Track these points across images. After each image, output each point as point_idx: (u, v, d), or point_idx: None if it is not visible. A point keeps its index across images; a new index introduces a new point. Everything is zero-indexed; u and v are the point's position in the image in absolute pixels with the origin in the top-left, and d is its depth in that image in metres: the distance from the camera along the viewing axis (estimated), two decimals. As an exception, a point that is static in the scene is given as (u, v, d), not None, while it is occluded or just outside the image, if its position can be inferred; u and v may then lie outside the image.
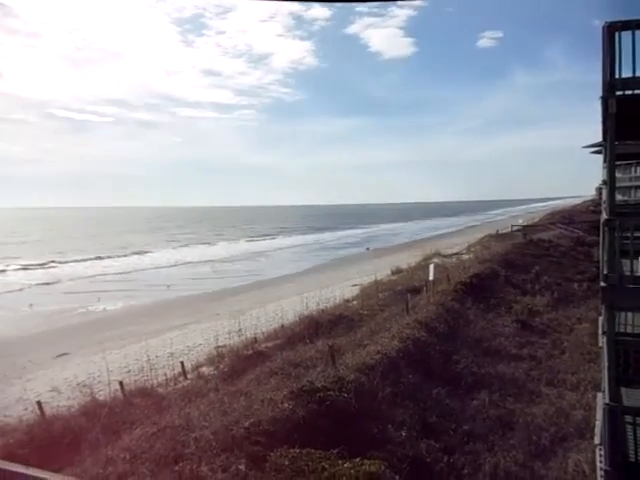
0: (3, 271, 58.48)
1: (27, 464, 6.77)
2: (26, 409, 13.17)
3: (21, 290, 44.97)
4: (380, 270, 32.07)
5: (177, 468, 7.80)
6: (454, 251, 41.98)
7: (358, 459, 8.53)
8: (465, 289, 22.19)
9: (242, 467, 8.06)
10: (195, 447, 8.40)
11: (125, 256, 72.65)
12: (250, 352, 15.69)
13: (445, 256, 38.45)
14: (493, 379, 14.26)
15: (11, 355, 22.96)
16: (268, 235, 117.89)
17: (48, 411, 11.77)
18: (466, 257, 35.67)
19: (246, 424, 9.08)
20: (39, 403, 11.81)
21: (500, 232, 49.45)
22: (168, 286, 44.31)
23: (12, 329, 29.80)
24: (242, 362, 14.80)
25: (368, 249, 73.15)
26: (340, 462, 8.40)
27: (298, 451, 8.58)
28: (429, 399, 12.28)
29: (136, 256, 73.33)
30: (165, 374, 15.03)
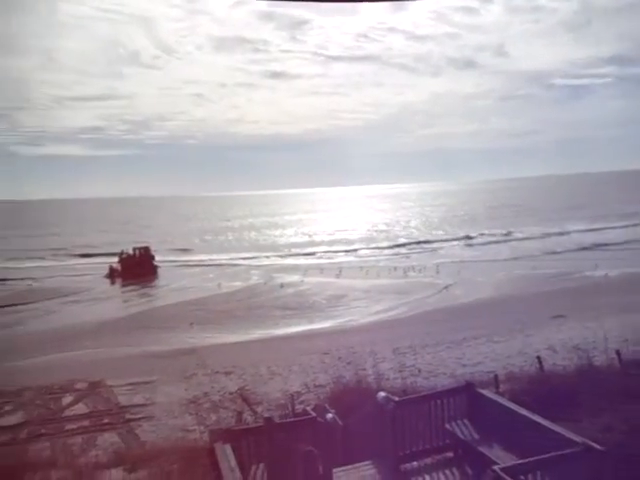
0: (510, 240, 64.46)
1: (533, 410, 7.64)
2: (525, 362, 14.51)
3: (531, 256, 48.75)
4: None
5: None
6: None
7: None
8: None
9: None
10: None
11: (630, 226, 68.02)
12: None
13: None
14: None
15: (514, 312, 25.41)
16: None
17: (545, 367, 12.66)
18: None
19: None
20: (539, 358, 12.81)
21: None
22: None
23: (514, 289, 32.85)
24: None
25: None
26: None
27: None
28: None
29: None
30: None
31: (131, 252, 52.03)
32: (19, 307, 36.78)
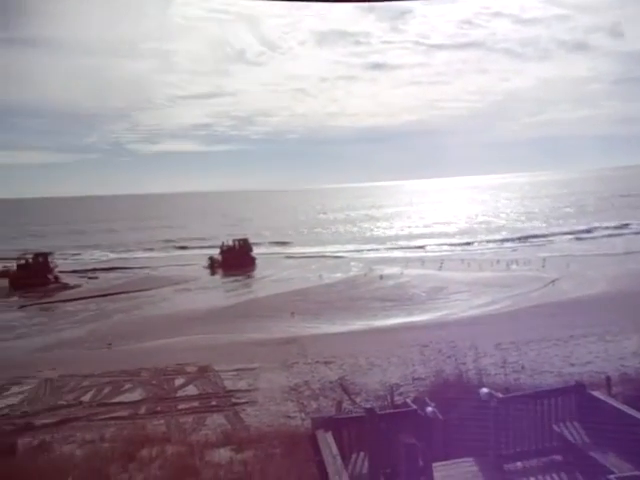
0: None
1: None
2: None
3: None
4: None
5: None
6: None
7: None
8: None
9: None
10: None
11: None
12: None
13: None
14: None
15: (628, 309, 23.64)
16: None
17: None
18: None
19: None
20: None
21: None
22: None
23: (628, 285, 30.69)
24: None
25: None
26: None
27: None
28: None
29: None
30: None
31: (231, 244, 54.40)
32: (137, 293, 39.78)
